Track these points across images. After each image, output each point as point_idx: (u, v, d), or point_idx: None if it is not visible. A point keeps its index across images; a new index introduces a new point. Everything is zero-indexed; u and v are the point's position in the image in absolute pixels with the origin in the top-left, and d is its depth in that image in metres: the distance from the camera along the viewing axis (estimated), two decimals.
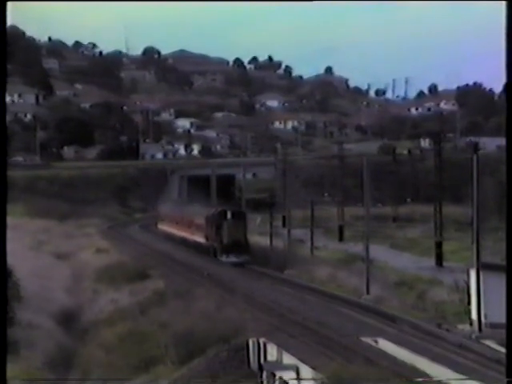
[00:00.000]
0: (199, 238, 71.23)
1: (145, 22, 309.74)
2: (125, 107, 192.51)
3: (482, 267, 39.90)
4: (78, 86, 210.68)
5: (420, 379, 26.57)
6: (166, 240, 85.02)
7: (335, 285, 54.46)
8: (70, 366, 39.04)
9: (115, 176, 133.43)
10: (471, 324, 40.24)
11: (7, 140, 28.38)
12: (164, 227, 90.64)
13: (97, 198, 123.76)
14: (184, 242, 77.56)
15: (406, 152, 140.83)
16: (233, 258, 64.42)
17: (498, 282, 40.06)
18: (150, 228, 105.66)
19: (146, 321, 41.85)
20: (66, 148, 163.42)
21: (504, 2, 25.94)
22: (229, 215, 66.03)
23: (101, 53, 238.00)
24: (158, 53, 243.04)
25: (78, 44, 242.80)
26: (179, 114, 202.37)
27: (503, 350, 34.96)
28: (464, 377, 26.80)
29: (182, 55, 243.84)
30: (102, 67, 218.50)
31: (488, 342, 36.45)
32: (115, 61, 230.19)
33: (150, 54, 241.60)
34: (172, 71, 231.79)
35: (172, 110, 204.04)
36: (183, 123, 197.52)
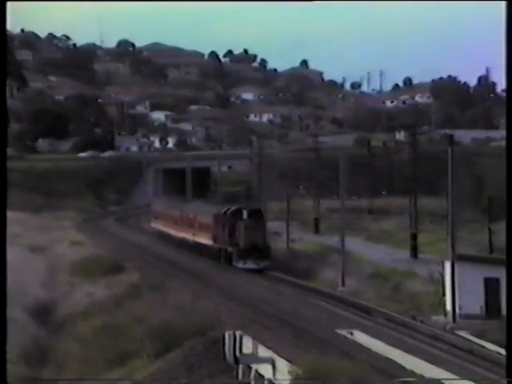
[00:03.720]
0: (204, 240, 63.28)
1: (119, 14, 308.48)
2: (99, 100, 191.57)
3: (456, 259, 40.13)
4: (52, 78, 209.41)
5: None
6: (162, 241, 76.15)
7: (311, 277, 54.58)
8: (45, 359, 38.86)
9: (90, 169, 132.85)
10: (446, 315, 40.47)
11: None
12: (158, 226, 79.83)
13: (71, 190, 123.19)
14: (183, 244, 69.28)
15: (381, 145, 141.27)
16: (251, 264, 56.43)
17: (473, 274, 40.39)
18: (125, 221, 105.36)
19: (121, 314, 41.71)
20: (40, 140, 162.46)
21: (504, 2, 26.05)
22: (245, 215, 57.94)
23: (75, 45, 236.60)
24: (133, 45, 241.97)
25: (51, 36, 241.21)
26: (154, 107, 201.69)
27: (477, 340, 35.21)
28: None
29: (157, 48, 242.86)
30: (76, 59, 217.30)
31: (462, 333, 36.67)
32: (89, 53, 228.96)
33: (124, 46, 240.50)
34: (147, 64, 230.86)
35: (147, 103, 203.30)
36: (158, 116, 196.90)
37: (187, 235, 68.04)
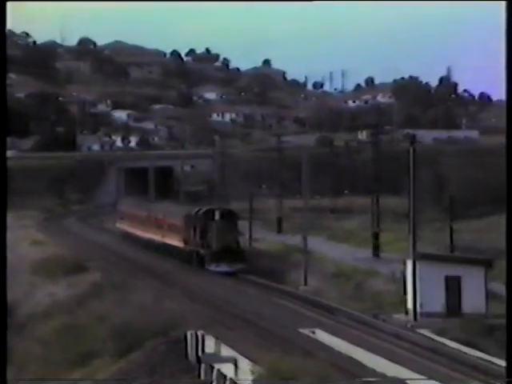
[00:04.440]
0: (173, 241, 61.47)
1: (80, 12, 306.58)
2: (60, 98, 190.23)
3: (418, 257, 40.38)
4: (12, 76, 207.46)
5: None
6: (128, 242, 74.53)
7: (274, 276, 54.59)
8: (6, 360, 38.42)
9: (51, 167, 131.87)
10: (407, 313, 40.70)
11: None
12: (124, 226, 78.20)
13: (33, 189, 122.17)
14: (151, 245, 67.72)
15: (343, 144, 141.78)
16: (224, 267, 54.51)
17: (434, 272, 40.69)
18: (87, 220, 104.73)
19: (83, 314, 41.44)
20: None
21: (504, 2, 26.20)
22: (217, 215, 55.93)
23: (35, 42, 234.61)
24: (94, 44, 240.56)
25: (10, 33, 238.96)
26: (116, 106, 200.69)
27: (438, 338, 35.46)
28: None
29: (118, 46, 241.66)
30: (37, 57, 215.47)
31: (423, 331, 36.91)
32: (50, 51, 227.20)
33: (85, 44, 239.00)
34: (108, 62, 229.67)
35: (109, 102, 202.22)
36: (120, 115, 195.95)
37: (155, 236, 66.35)
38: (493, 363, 30.77)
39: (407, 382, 26.62)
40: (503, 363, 30.90)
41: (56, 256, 61.42)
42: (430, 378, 27.38)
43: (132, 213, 75.50)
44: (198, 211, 57.77)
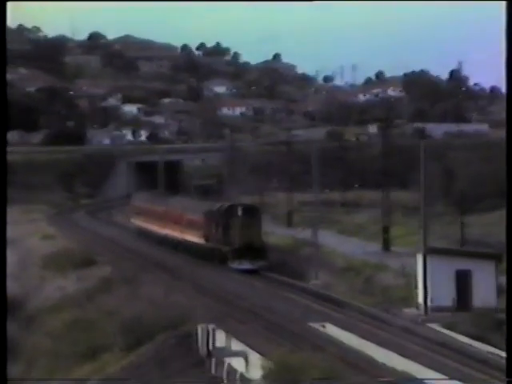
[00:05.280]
0: (193, 238, 59.69)
1: (90, 6, 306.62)
2: (71, 92, 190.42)
3: (428, 251, 40.29)
4: (23, 70, 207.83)
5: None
6: (143, 238, 72.48)
7: (284, 270, 54.56)
8: (15, 354, 38.54)
9: (61, 162, 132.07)
10: (417, 308, 40.63)
11: None
12: (139, 222, 75.70)
13: (42, 183, 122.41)
14: (168, 242, 65.73)
15: (353, 138, 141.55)
16: (247, 265, 53.22)
17: (444, 266, 40.57)
18: (97, 215, 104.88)
19: (92, 308, 41.49)
20: (10, 132, 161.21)
21: (504, 2, 26.08)
22: (239, 211, 54.55)
23: (45, 37, 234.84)
24: (104, 38, 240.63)
25: (21, 27, 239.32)
26: (126, 100, 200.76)
27: (448, 332, 35.38)
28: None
29: (128, 40, 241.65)
30: (47, 52, 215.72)
31: (434, 326, 36.84)
32: (60, 45, 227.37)
33: (95, 39, 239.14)
34: (118, 56, 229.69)
35: (119, 96, 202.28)
36: (130, 109, 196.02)
37: (173, 232, 64.28)
38: (502, 357, 30.67)
39: (426, 382, 26.45)
40: None
41: (66, 250, 61.50)
42: (440, 372, 27.30)
43: (147, 208, 73.38)
44: (220, 207, 56.51)
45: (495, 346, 32.92)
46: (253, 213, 55.40)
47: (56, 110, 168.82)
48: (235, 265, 53.46)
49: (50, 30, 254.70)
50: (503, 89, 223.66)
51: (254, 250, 53.61)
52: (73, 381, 32.99)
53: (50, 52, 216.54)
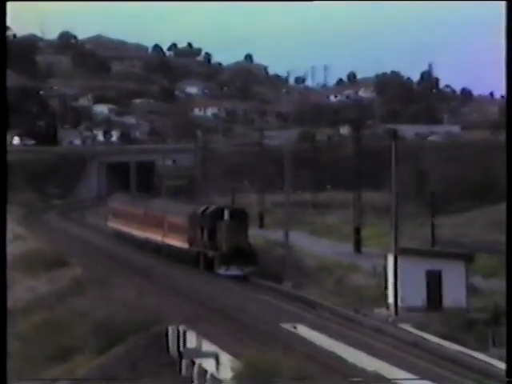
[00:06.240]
0: (176, 242, 57.10)
1: (59, 5, 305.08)
2: (41, 92, 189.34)
3: (399, 252, 40.47)
4: None
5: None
6: (121, 241, 70.00)
7: (255, 271, 54.50)
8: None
9: (31, 162, 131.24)
10: (388, 308, 40.80)
11: None
12: (117, 225, 72.60)
13: (12, 184, 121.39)
14: (149, 246, 63.07)
15: (325, 139, 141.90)
16: (234, 271, 50.83)
17: (415, 267, 40.79)
18: (68, 215, 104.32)
19: (64, 309, 41.27)
20: None
21: (504, 2, 26.25)
22: (226, 215, 52.14)
23: (15, 36, 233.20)
24: (75, 37, 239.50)
25: None
26: (98, 100, 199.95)
27: (418, 332, 35.55)
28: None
29: (100, 40, 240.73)
30: (17, 51, 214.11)
31: (404, 326, 37.00)
32: (31, 44, 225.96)
33: (66, 38, 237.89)
34: (89, 56, 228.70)
35: (90, 96, 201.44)
36: (102, 109, 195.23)
37: (154, 236, 61.49)
38: (473, 357, 30.87)
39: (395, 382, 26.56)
40: (483, 357, 31.03)
41: (36, 251, 61.09)
42: (410, 372, 27.42)
43: (126, 210, 70.40)
44: (205, 210, 54.06)
45: (466, 346, 33.12)
46: (240, 217, 52.95)
47: (27, 110, 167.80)
48: (222, 271, 51.08)
49: (19, 29, 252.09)
50: (474, 91, 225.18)
51: (242, 255, 51.19)
52: (73, 381, 32.78)
53: (20, 51, 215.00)
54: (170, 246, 58.37)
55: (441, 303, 39.85)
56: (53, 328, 38.35)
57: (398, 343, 33.23)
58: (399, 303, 39.84)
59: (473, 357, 30.95)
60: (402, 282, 39.80)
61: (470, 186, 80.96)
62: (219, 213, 52.66)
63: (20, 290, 50.10)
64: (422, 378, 27.17)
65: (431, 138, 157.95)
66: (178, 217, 57.55)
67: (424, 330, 35.70)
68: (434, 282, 39.96)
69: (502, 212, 33.23)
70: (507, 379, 21.06)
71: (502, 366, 28.07)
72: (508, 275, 27.72)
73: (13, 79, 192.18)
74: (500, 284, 35.85)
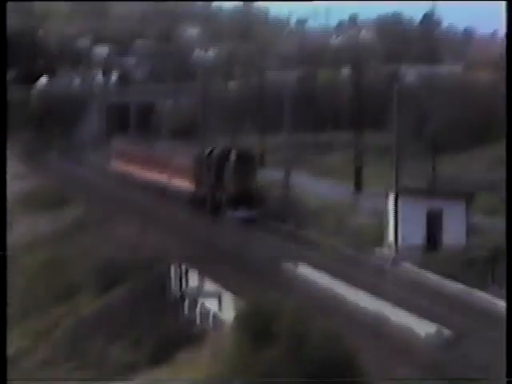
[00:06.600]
0: (182, 184, 55.75)
1: None
2: (40, 31, 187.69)
3: (400, 191, 40.45)
4: None
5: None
6: (124, 182, 67.94)
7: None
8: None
9: (30, 102, 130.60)
10: (389, 247, 40.91)
11: None
12: (121, 166, 70.89)
13: (12, 122, 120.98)
14: (153, 187, 61.38)
15: (326, 80, 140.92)
16: (243, 213, 49.54)
17: (416, 205, 40.80)
18: (68, 155, 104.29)
19: (66, 247, 41.40)
20: None
21: (504, 2, 25.87)
22: (233, 156, 51.01)
23: None
24: None
25: None
26: (97, 41, 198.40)
27: (418, 270, 35.71)
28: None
29: None
30: None
31: (405, 264, 37.14)
32: None
33: None
34: None
35: (89, 37, 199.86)
36: (101, 50, 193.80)
37: (159, 177, 60.29)
38: (472, 294, 31.02)
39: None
40: (482, 295, 31.19)
41: (38, 189, 61.02)
42: (411, 310, 27.55)
43: (130, 151, 69.12)
44: (211, 151, 52.53)
45: (465, 284, 33.26)
46: (248, 157, 51.90)
47: (25, 51, 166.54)
48: (230, 213, 49.96)
49: None
50: (477, 29, 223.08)
51: (250, 197, 50.07)
52: (73, 381, 32.81)
53: None
54: (175, 188, 57.29)
55: (441, 242, 39.93)
56: (55, 266, 38.51)
57: (398, 281, 33.38)
58: (400, 242, 39.93)
59: (472, 294, 31.11)
60: (403, 221, 39.83)
61: (471, 125, 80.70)
62: (226, 154, 51.48)
63: (21, 228, 50.20)
64: (423, 317, 27.32)
65: (433, 78, 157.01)
66: (183, 158, 56.54)
67: (424, 269, 35.83)
68: (435, 221, 39.96)
69: (502, 150, 33.12)
70: (507, 379, 21.06)
71: (502, 303, 28.23)
72: (508, 275, 27.59)
73: (11, 20, 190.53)
74: (501, 222, 35.77)
